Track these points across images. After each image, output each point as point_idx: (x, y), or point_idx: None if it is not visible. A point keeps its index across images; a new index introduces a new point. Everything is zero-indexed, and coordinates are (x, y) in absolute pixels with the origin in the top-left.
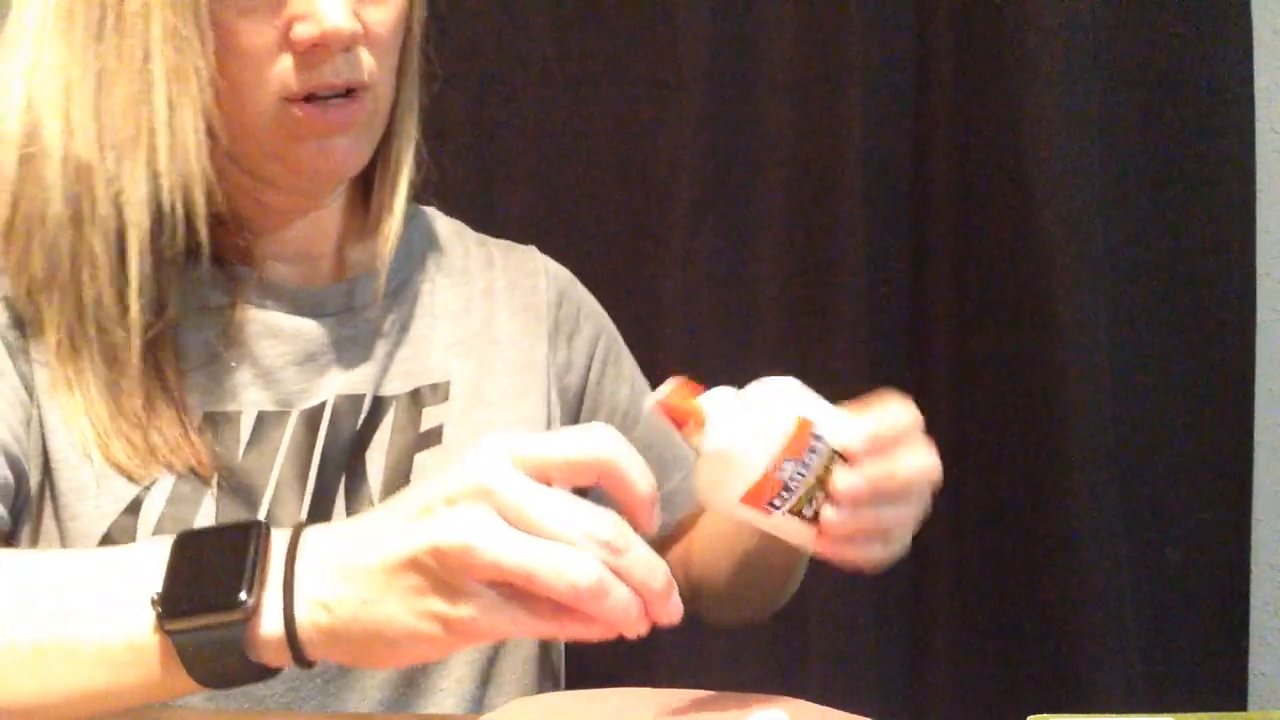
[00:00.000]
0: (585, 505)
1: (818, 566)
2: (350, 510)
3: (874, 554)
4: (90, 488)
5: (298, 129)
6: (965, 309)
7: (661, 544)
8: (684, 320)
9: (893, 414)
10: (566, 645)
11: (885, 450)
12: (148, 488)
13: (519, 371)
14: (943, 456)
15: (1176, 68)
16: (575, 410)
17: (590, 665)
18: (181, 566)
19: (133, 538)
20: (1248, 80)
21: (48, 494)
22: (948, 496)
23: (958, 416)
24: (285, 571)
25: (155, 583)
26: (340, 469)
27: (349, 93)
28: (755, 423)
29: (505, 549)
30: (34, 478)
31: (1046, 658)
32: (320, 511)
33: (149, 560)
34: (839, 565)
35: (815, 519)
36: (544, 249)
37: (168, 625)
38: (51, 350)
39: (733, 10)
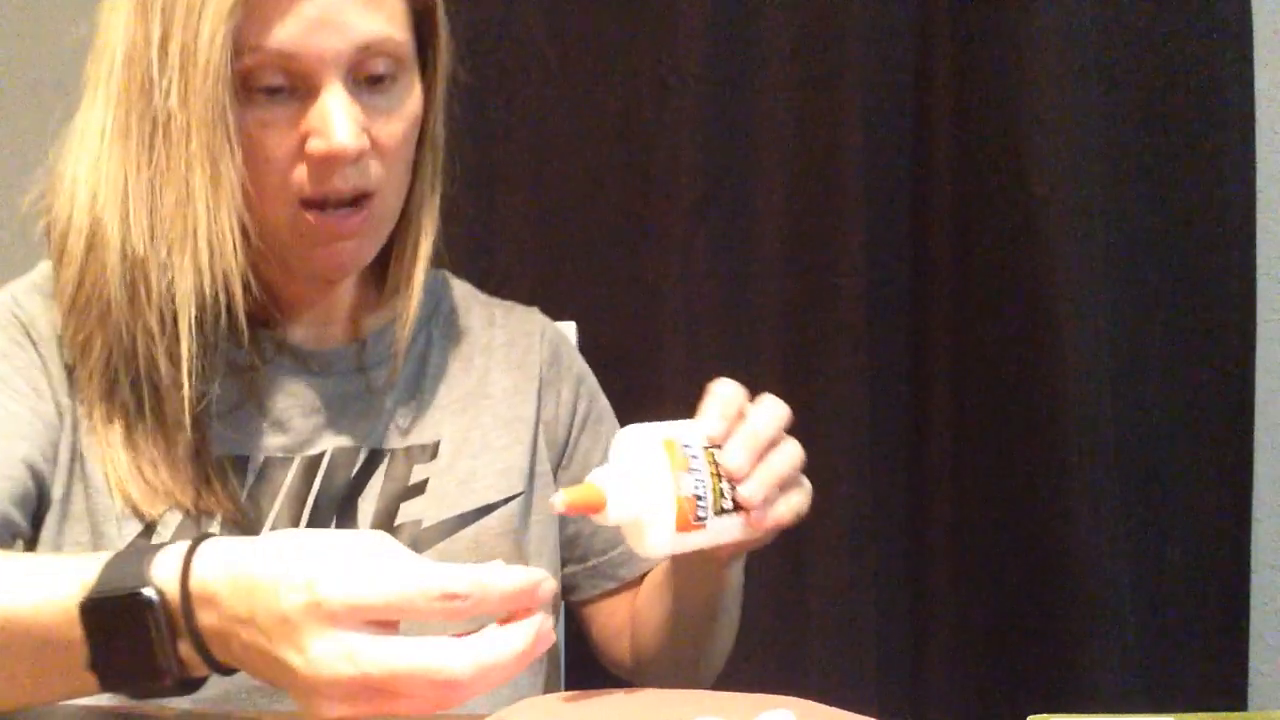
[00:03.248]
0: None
1: (815, 568)
2: None
3: (793, 503)
4: (114, 513)
5: (310, 233)
6: (965, 309)
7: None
8: (684, 320)
9: (723, 391)
10: (568, 646)
11: (736, 417)
12: (151, 525)
13: (506, 425)
14: (942, 456)
15: (1176, 68)
16: (558, 461)
17: (594, 666)
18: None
19: None
20: (1248, 80)
21: (85, 514)
22: (948, 496)
23: (958, 416)
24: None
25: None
26: (331, 514)
27: (357, 199)
28: (637, 471)
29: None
30: (58, 492)
31: (1046, 658)
32: None
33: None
34: (774, 532)
35: (737, 507)
36: (544, 249)
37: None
38: (91, 401)
39: (733, 10)
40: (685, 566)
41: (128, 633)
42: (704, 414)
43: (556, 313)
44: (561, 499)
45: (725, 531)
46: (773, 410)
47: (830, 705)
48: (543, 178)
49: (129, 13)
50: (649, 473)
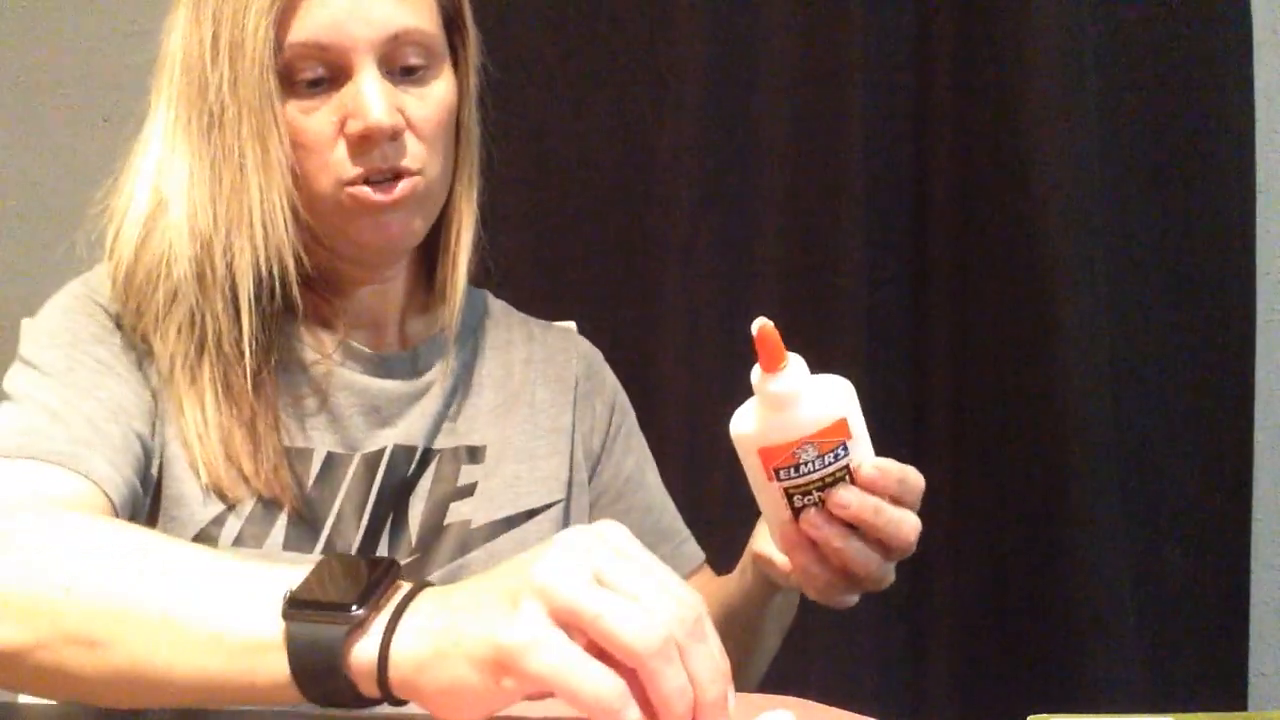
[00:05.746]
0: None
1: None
2: (392, 547)
3: (826, 584)
4: (187, 499)
5: (355, 206)
6: (965, 309)
7: None
8: (684, 320)
9: (906, 470)
10: None
11: (886, 489)
12: (231, 507)
13: (548, 434)
14: (942, 457)
15: (1176, 68)
16: (593, 468)
17: None
18: (318, 576)
19: (215, 545)
20: (1248, 80)
21: (165, 492)
22: (948, 496)
23: (958, 416)
24: (398, 607)
25: (288, 585)
26: (389, 511)
27: (396, 176)
28: (812, 398)
29: (552, 663)
30: (155, 470)
31: (1046, 658)
32: (367, 548)
33: (283, 572)
34: (798, 586)
35: (798, 514)
36: (544, 250)
37: (288, 613)
38: (169, 380)
39: (733, 10)
40: (742, 573)
41: (328, 690)
42: (879, 458)
43: (556, 313)
44: (763, 323)
45: (772, 504)
46: (907, 515)
47: (830, 705)
48: (543, 178)
49: (185, 24)
50: (808, 409)
